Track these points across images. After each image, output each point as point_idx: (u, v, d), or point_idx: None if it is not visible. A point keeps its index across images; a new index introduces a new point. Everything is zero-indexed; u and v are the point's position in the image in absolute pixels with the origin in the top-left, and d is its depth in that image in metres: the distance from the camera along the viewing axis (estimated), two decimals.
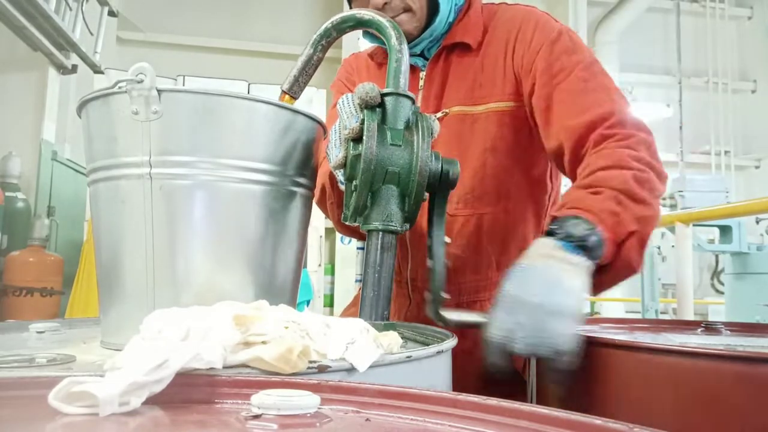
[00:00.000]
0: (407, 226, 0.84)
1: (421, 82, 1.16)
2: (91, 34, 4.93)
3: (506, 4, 1.20)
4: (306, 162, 0.82)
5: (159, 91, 0.71)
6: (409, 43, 1.07)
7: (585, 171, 0.91)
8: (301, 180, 0.82)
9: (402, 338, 0.66)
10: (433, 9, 1.10)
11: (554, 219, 0.84)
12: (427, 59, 1.16)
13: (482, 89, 1.10)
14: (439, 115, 1.12)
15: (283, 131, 0.77)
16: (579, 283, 0.76)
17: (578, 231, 0.79)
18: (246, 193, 0.75)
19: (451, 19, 1.14)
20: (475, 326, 0.87)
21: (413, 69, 1.15)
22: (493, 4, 1.20)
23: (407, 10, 1.08)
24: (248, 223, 0.75)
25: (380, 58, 1.26)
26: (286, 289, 0.82)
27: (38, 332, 0.85)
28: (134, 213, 0.72)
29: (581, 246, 0.78)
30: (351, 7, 1.12)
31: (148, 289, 0.72)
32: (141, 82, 0.69)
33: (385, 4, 1.06)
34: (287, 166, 0.79)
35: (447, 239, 0.90)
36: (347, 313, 1.32)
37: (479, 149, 1.09)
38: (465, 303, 1.15)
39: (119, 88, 0.71)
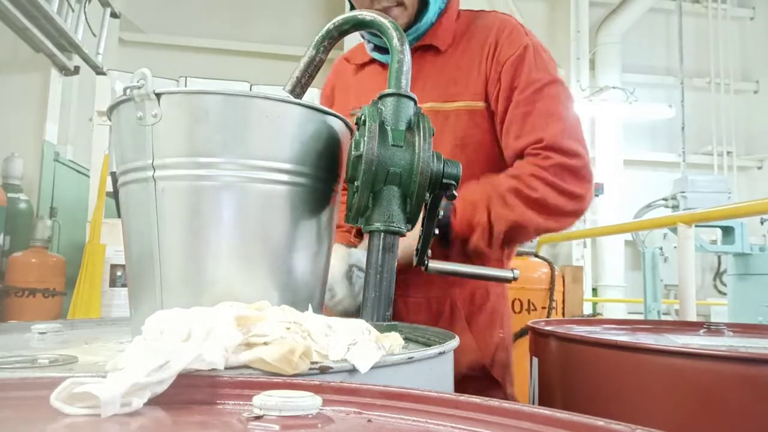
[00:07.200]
0: (409, 226, 0.84)
1: None
2: (94, 35, 4.95)
3: (485, 11, 1.26)
4: (332, 160, 0.82)
5: (187, 93, 0.72)
6: None
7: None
8: (327, 179, 0.82)
9: (403, 339, 0.66)
10: (420, 6, 1.15)
11: None
12: None
13: (456, 87, 1.16)
14: None
15: (309, 131, 0.77)
16: None
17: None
18: (273, 194, 0.75)
19: (433, 20, 1.18)
20: (454, 274, 1.03)
21: (383, 66, 1.22)
22: (472, 10, 1.26)
23: (400, 4, 1.13)
24: (275, 224, 0.75)
25: (358, 59, 1.30)
26: (314, 294, 0.81)
27: (40, 333, 0.85)
28: (162, 214, 0.73)
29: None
30: (352, 6, 1.15)
31: (174, 289, 0.72)
32: (140, 85, 0.70)
33: None
34: (313, 165, 0.78)
35: (436, 231, 0.97)
36: None
37: (449, 145, 1.14)
38: (434, 299, 1.19)
39: (126, 92, 0.71)
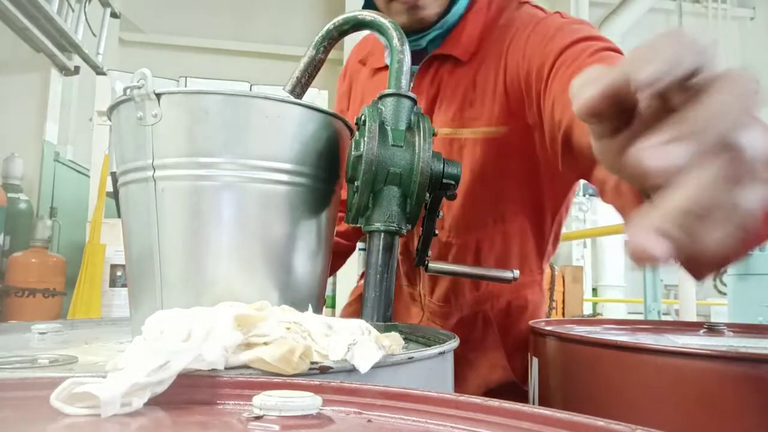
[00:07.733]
0: (409, 227, 0.84)
1: None
2: (94, 35, 4.96)
3: (518, 1, 1.05)
4: (332, 160, 0.82)
5: (187, 93, 0.72)
6: (422, 31, 1.03)
7: None
8: (327, 179, 0.82)
9: (404, 339, 0.66)
10: None
11: None
12: (419, 61, 1.05)
13: (472, 110, 1.01)
14: None
15: (309, 131, 0.77)
16: None
17: None
18: (273, 194, 0.74)
19: (462, 11, 1.04)
20: (453, 274, 0.98)
21: None
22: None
23: None
24: (275, 224, 0.75)
25: (375, 63, 1.18)
26: (314, 294, 0.81)
27: (40, 333, 0.85)
28: (162, 214, 0.73)
29: None
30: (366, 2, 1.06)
31: (174, 289, 0.72)
32: (140, 85, 0.70)
33: None
34: (313, 165, 0.78)
35: (436, 232, 0.92)
36: (348, 310, 1.32)
37: (467, 176, 1.02)
38: (467, 317, 1.15)
39: (127, 93, 0.71)
